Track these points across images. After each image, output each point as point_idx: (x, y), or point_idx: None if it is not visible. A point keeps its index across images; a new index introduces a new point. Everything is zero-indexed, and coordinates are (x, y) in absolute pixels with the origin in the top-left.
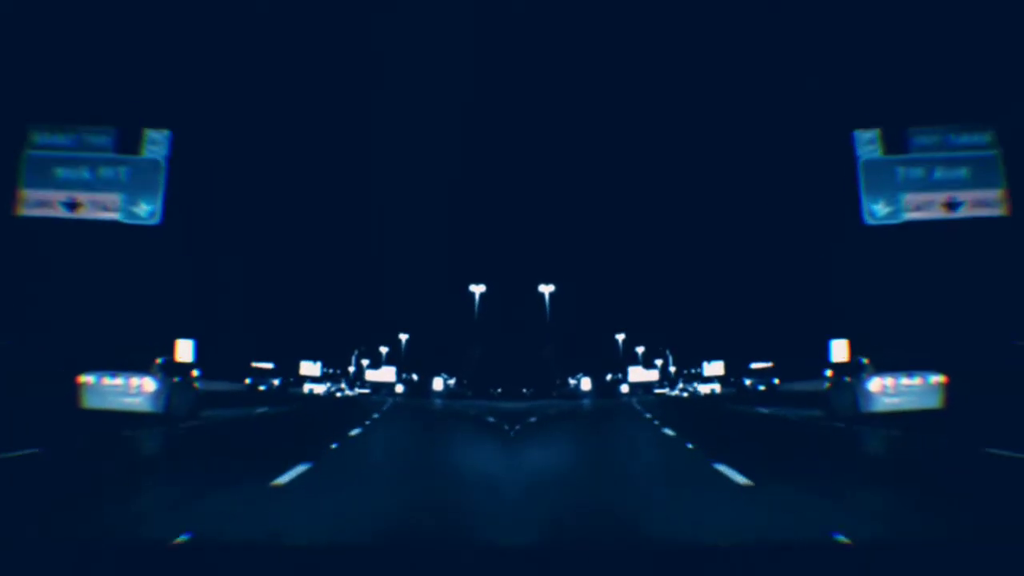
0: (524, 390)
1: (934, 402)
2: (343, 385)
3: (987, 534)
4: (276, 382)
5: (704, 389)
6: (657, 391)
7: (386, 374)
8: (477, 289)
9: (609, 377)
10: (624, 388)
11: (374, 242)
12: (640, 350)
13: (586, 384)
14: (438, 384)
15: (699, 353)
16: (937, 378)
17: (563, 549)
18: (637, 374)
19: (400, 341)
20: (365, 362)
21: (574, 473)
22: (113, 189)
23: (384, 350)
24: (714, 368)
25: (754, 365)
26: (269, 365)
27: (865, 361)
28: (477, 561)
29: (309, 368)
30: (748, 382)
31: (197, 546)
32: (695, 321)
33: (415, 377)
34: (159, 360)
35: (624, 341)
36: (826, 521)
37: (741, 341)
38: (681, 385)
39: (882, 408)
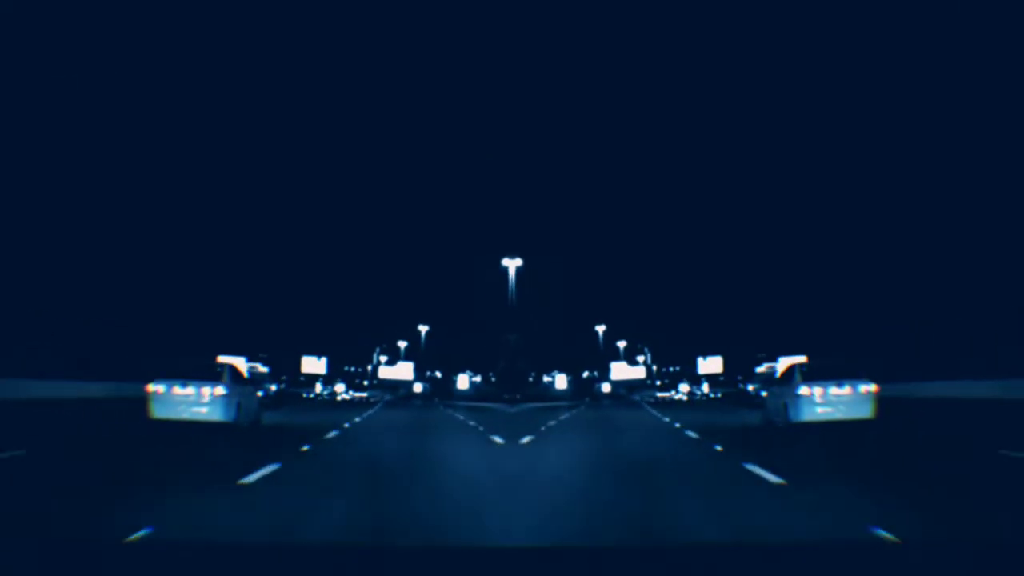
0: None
1: (867, 412)
2: (338, 387)
3: None
4: (273, 387)
5: (706, 390)
6: (660, 394)
7: (402, 370)
8: (512, 264)
9: (586, 374)
10: (605, 387)
11: (386, 224)
12: (622, 344)
13: (561, 382)
14: (463, 382)
15: (691, 347)
16: (868, 387)
17: (566, 548)
18: (620, 371)
19: (420, 334)
20: (383, 359)
21: None
22: None
23: (403, 344)
24: (710, 365)
25: (782, 360)
26: (240, 360)
27: (797, 369)
28: (480, 561)
29: (313, 365)
30: (751, 387)
31: (157, 544)
32: (687, 311)
33: (438, 374)
34: (227, 367)
35: (605, 333)
36: None
37: (745, 332)
38: (687, 387)
39: (812, 418)
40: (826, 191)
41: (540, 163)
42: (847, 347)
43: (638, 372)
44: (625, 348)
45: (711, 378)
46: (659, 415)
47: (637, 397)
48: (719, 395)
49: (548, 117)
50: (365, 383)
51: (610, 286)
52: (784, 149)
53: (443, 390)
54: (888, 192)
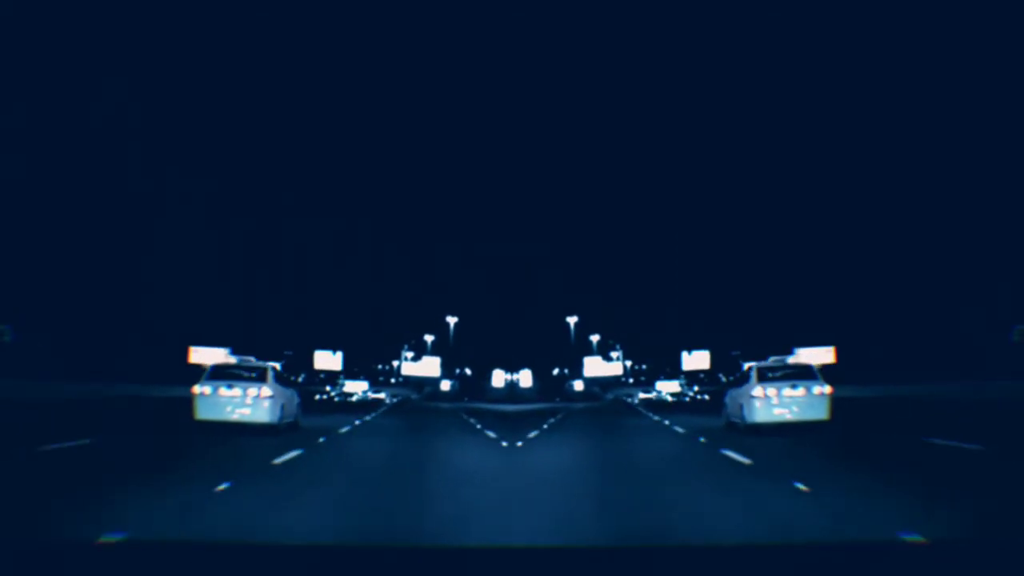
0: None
1: (821, 413)
2: (351, 385)
3: None
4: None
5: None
6: (644, 395)
7: (428, 367)
8: None
9: (557, 371)
10: (578, 384)
11: (410, 216)
12: (595, 338)
13: (526, 379)
14: (499, 379)
15: (669, 341)
16: (822, 388)
17: (568, 549)
18: (594, 366)
19: (448, 326)
20: (410, 354)
21: None
22: None
23: (430, 338)
24: (695, 360)
25: (800, 352)
26: (223, 351)
27: (753, 371)
28: (480, 561)
29: (327, 360)
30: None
31: (135, 545)
32: (668, 302)
33: (468, 371)
34: (269, 368)
35: (576, 326)
36: None
37: (730, 325)
38: (672, 384)
39: (768, 419)
40: (813, 178)
41: (525, 150)
42: (841, 342)
43: (614, 368)
44: (598, 342)
45: (691, 375)
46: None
47: (611, 396)
48: (706, 396)
49: (533, 106)
50: (392, 380)
51: (583, 275)
52: (769, 136)
53: (474, 388)
54: (881, 183)
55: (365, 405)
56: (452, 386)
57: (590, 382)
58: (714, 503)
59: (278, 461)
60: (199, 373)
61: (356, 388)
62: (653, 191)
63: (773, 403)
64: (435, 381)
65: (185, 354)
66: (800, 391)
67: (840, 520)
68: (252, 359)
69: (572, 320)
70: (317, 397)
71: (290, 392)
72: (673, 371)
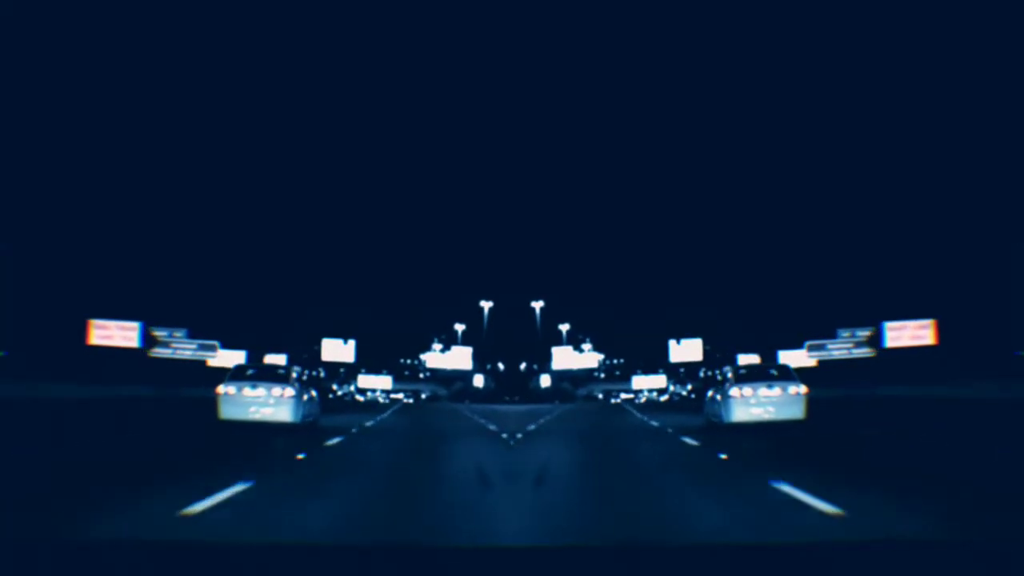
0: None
1: (798, 413)
2: (366, 379)
3: None
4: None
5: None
6: (625, 394)
7: (458, 358)
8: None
9: (524, 366)
10: (544, 380)
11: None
12: (564, 328)
13: (478, 379)
14: (547, 380)
15: (647, 332)
16: (797, 388)
17: (564, 548)
18: (564, 358)
19: (483, 311)
20: (439, 345)
21: None
22: None
23: (460, 328)
24: (685, 350)
25: (889, 326)
26: (134, 325)
27: (730, 372)
28: (479, 561)
29: (337, 350)
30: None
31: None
32: (649, 288)
33: (500, 367)
34: (292, 368)
35: (543, 311)
36: None
37: (721, 315)
38: (653, 380)
39: (745, 418)
40: (798, 163)
41: (517, 131)
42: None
43: (586, 360)
44: (568, 332)
45: (672, 370)
46: None
47: (583, 392)
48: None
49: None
50: (421, 375)
51: (551, 255)
52: (788, 101)
53: (513, 384)
54: (873, 172)
55: (376, 406)
56: (486, 382)
57: (559, 376)
58: None
59: (195, 510)
60: (99, 360)
61: (375, 384)
62: (636, 162)
63: (751, 403)
64: (466, 375)
65: (84, 331)
66: (776, 391)
67: None
68: (216, 344)
69: (538, 305)
70: (329, 396)
71: (311, 391)
72: (649, 365)
